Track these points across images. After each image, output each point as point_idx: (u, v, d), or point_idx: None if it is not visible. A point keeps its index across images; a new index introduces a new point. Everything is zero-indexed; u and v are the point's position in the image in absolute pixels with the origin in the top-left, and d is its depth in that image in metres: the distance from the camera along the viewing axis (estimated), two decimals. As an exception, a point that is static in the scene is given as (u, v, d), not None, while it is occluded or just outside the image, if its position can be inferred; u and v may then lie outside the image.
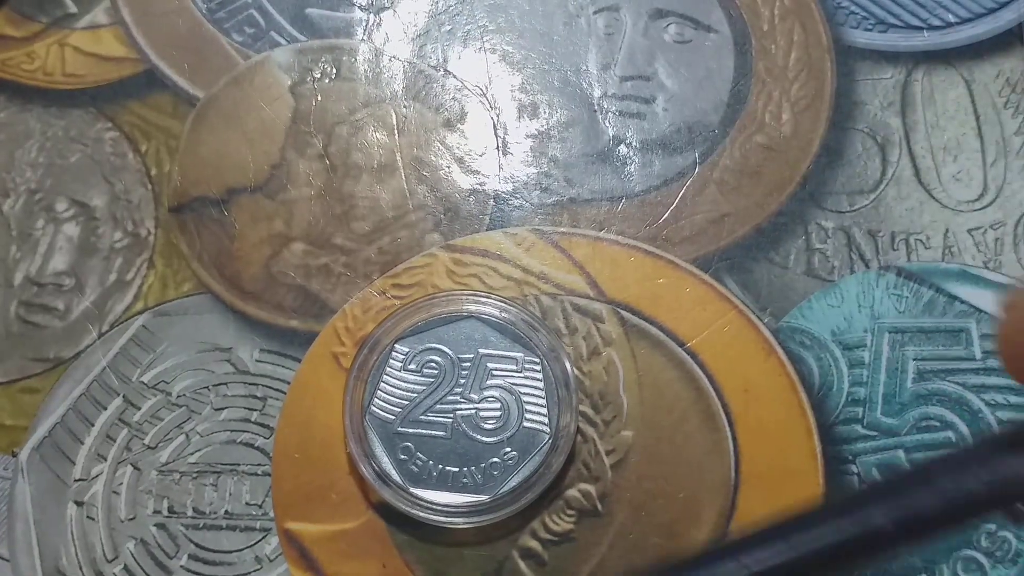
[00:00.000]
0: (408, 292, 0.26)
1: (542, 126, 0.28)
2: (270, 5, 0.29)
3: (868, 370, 0.25)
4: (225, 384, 0.25)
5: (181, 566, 0.24)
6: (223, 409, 0.25)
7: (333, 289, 0.26)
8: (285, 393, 0.25)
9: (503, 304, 0.25)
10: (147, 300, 0.26)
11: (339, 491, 0.24)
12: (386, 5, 0.29)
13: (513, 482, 0.23)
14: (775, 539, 0.14)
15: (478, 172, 0.27)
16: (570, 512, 0.24)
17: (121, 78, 0.29)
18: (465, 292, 0.25)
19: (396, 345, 0.24)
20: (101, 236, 0.27)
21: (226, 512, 0.24)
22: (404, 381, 0.24)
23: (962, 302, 0.25)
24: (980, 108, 0.28)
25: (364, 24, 0.29)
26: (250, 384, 0.25)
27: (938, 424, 0.24)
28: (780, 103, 0.28)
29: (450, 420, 0.24)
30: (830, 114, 0.27)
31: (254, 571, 0.24)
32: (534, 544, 0.24)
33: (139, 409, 0.25)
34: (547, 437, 0.24)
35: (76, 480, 0.25)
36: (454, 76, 0.28)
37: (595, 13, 0.29)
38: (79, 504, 0.25)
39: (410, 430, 0.24)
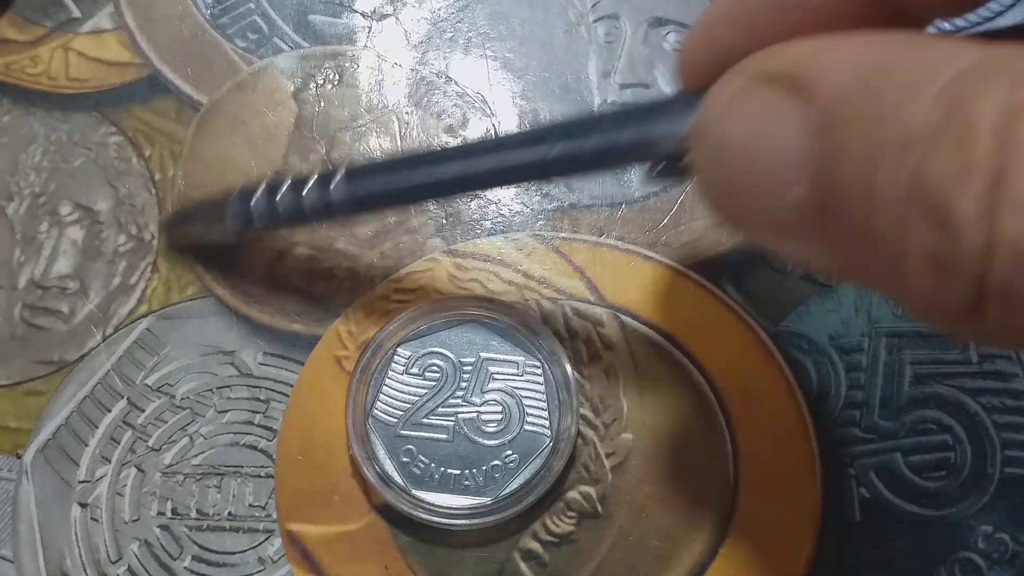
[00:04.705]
0: (410, 296, 0.26)
1: (543, 132, 0.28)
2: (273, 11, 0.30)
3: (865, 374, 0.25)
4: (229, 387, 0.26)
5: (185, 567, 0.24)
6: (227, 412, 0.25)
7: (336, 293, 0.26)
8: (288, 396, 0.25)
9: (504, 308, 0.25)
10: (151, 303, 0.26)
11: (342, 493, 0.24)
12: (388, 12, 0.30)
13: (514, 484, 0.23)
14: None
15: (479, 177, 0.27)
16: (571, 514, 0.24)
17: (125, 83, 0.29)
18: (466, 296, 0.26)
19: (398, 349, 0.25)
20: (105, 240, 0.27)
21: (229, 514, 0.25)
22: (406, 384, 0.24)
23: (958, 307, 0.26)
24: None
25: (367, 31, 0.29)
26: (253, 387, 0.26)
27: (935, 427, 0.25)
28: (778, 110, 0.28)
29: (452, 423, 0.24)
30: (827, 121, 0.28)
31: (257, 572, 0.24)
32: (535, 546, 0.24)
33: (143, 411, 0.25)
34: (548, 440, 0.24)
35: (80, 482, 0.25)
36: (456, 83, 0.29)
37: (595, 21, 0.29)
38: (83, 506, 0.25)
39: (412, 433, 0.24)
